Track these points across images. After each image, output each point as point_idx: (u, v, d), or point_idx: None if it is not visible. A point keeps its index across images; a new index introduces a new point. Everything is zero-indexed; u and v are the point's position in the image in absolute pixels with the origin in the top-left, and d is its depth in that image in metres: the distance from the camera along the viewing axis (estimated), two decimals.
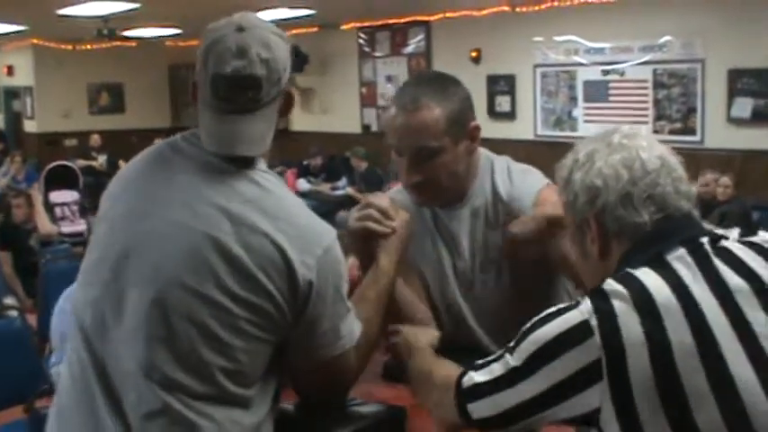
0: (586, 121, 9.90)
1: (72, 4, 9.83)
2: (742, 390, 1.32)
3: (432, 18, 11.76)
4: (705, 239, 1.45)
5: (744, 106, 8.52)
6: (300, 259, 1.57)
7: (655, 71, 9.24)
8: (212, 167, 1.62)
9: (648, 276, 1.40)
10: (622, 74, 9.56)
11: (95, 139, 13.87)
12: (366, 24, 12.79)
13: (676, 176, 1.48)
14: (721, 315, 1.36)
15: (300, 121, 13.14)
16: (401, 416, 1.82)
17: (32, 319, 4.80)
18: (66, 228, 9.66)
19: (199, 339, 1.52)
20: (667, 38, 9.03)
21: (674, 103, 9.12)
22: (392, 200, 2.03)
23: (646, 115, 9.20)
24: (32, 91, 15.73)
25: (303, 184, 11.40)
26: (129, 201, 1.66)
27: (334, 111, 13.59)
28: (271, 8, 10.17)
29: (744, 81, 8.51)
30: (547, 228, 1.87)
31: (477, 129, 2.09)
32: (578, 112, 10.13)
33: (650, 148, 1.50)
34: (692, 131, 8.95)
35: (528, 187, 2.06)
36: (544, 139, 10.39)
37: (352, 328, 1.70)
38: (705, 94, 8.86)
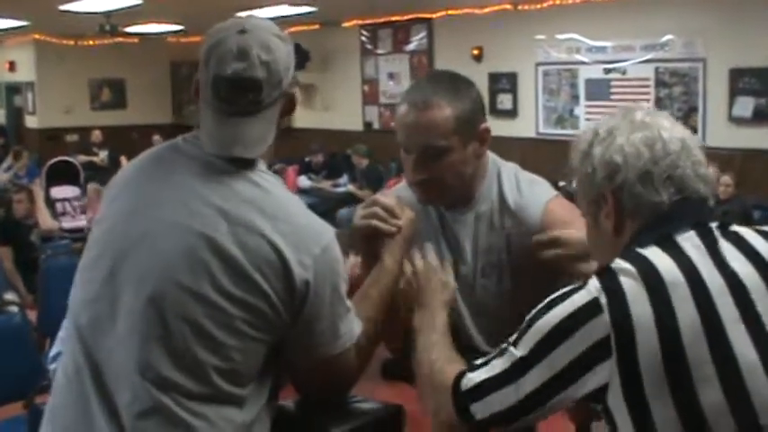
0: (588, 120, 9.87)
1: (74, 0, 9.83)
2: (745, 371, 1.33)
3: (434, 15, 11.76)
4: (715, 224, 1.46)
5: (745, 105, 8.52)
6: (297, 259, 1.57)
7: (656, 70, 9.24)
8: (212, 168, 1.62)
9: (657, 256, 1.40)
10: (624, 72, 9.56)
11: (96, 135, 13.88)
12: (368, 21, 12.79)
13: (696, 160, 1.49)
14: (728, 296, 1.37)
15: (302, 118, 13.14)
16: (399, 414, 1.82)
17: (33, 315, 4.81)
18: (67, 223, 9.65)
19: (193, 339, 1.52)
20: (669, 37, 9.03)
21: (676, 101, 9.11)
22: (398, 197, 2.03)
23: None
24: (34, 86, 15.75)
25: (304, 181, 11.39)
26: (126, 201, 1.66)
27: (336, 108, 13.59)
28: (273, 5, 10.17)
29: (745, 80, 8.51)
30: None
31: (488, 131, 2.09)
32: (580, 111, 10.13)
33: (672, 128, 1.50)
34: (693, 130, 8.67)
35: (536, 197, 2.06)
36: (546, 137, 10.39)
37: (352, 326, 1.70)
38: (706, 92, 8.86)
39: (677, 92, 9.11)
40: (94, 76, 15.94)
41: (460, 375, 1.53)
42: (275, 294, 1.56)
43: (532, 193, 2.08)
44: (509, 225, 2.09)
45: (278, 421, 1.68)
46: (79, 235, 8.52)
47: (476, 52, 11.16)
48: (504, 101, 10.91)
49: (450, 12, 11.40)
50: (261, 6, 9.96)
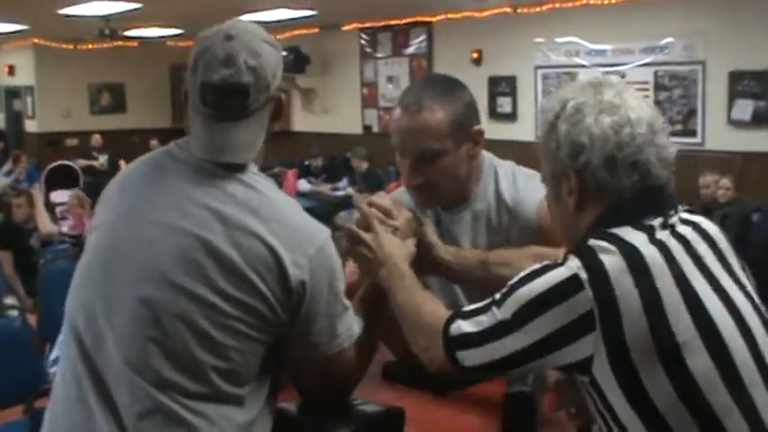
0: None
1: (73, 4, 9.84)
2: (725, 334, 1.41)
3: (433, 19, 11.76)
4: (673, 211, 1.52)
5: (744, 108, 8.52)
6: (292, 259, 1.58)
7: (656, 73, 9.24)
8: (204, 172, 1.63)
9: (632, 235, 1.46)
10: (623, 75, 9.54)
11: (96, 139, 13.88)
12: (367, 25, 12.79)
13: (660, 142, 1.53)
14: (695, 270, 1.45)
15: (301, 121, 13.15)
16: (400, 417, 1.82)
17: (33, 319, 4.81)
18: (67, 228, 9.65)
19: (191, 339, 1.53)
20: (668, 40, 9.04)
21: (675, 104, 9.12)
22: (397, 200, 2.03)
23: None
24: (33, 90, 15.75)
25: (304, 185, 11.40)
26: (121, 205, 1.68)
27: (336, 111, 13.60)
28: (272, 9, 10.18)
29: (744, 83, 8.51)
30: None
31: (481, 133, 2.10)
32: None
33: (639, 108, 1.52)
34: (692, 133, 8.95)
35: (532, 192, 2.07)
36: None
37: (351, 326, 1.71)
38: (706, 95, 8.86)
39: (677, 95, 9.11)
40: (94, 80, 15.94)
41: (451, 320, 1.59)
42: (272, 295, 1.56)
43: (528, 188, 2.09)
44: (507, 221, 2.09)
45: (278, 423, 1.68)
46: (79, 239, 8.52)
47: (475, 55, 11.16)
48: (504, 104, 10.90)
49: (449, 15, 11.40)
50: (260, 10, 9.97)
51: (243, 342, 1.56)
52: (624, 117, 1.50)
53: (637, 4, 9.16)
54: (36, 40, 14.94)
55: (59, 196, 10.19)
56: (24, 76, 16.00)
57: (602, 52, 9.74)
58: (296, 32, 12.29)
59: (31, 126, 16.11)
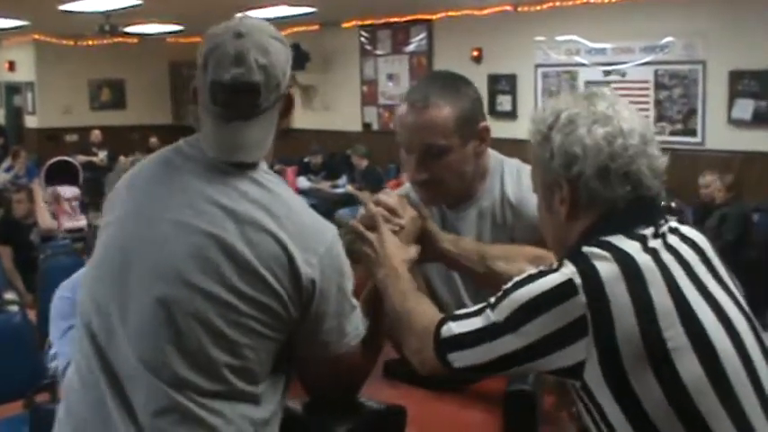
0: None
1: (74, 0, 9.83)
2: (715, 342, 1.43)
3: (433, 17, 11.75)
4: (663, 221, 1.54)
5: (745, 108, 8.51)
6: (303, 257, 1.58)
7: (656, 72, 9.23)
8: (216, 170, 1.63)
9: (625, 243, 1.47)
10: (623, 74, 9.56)
11: (96, 135, 13.88)
12: (368, 22, 12.78)
13: (652, 153, 1.54)
14: (686, 279, 1.47)
15: (301, 118, 13.13)
16: (401, 414, 1.83)
17: (32, 314, 4.81)
18: (67, 223, 9.64)
19: (205, 337, 1.53)
20: (669, 39, 9.03)
21: (675, 104, 9.12)
22: (403, 196, 2.03)
23: (647, 116, 9.17)
24: (33, 86, 15.73)
25: (303, 182, 11.38)
26: (133, 203, 1.67)
27: (336, 108, 13.59)
28: (272, 6, 10.17)
29: (745, 83, 8.50)
30: None
31: (487, 130, 2.10)
32: None
33: (632, 119, 1.54)
34: (692, 133, 8.95)
35: None
36: None
37: (358, 325, 1.71)
38: (706, 95, 8.85)
39: (677, 94, 9.11)
40: (94, 76, 15.93)
41: (442, 323, 1.60)
42: (285, 292, 1.56)
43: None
44: (511, 220, 2.10)
45: (281, 420, 1.68)
46: (79, 235, 8.51)
47: (475, 53, 11.15)
48: (504, 102, 10.90)
49: (449, 13, 11.40)
50: (260, 6, 9.96)
51: (256, 340, 1.56)
52: (617, 128, 1.51)
53: (637, 4, 9.15)
54: (36, 36, 14.92)
55: (66, 191, 10.18)
56: (24, 72, 15.98)
57: (603, 51, 9.73)
58: (296, 29, 12.27)
59: (31, 122, 16.10)
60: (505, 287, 1.52)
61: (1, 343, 3.78)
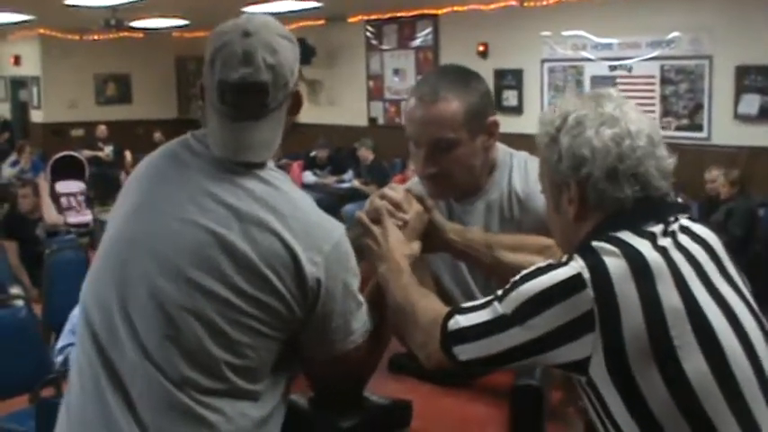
0: None
1: None
2: (722, 341, 1.42)
3: (439, 12, 11.74)
4: (673, 218, 1.52)
5: (751, 103, 8.50)
6: (308, 257, 1.57)
7: (662, 67, 9.21)
8: (221, 166, 1.62)
9: (635, 239, 1.47)
10: (630, 69, 9.54)
11: (102, 130, 13.90)
12: (373, 17, 12.77)
13: (659, 154, 1.54)
14: (695, 278, 1.46)
15: (307, 113, 13.04)
16: (406, 409, 1.82)
17: (38, 309, 4.82)
18: (72, 218, 9.67)
19: (205, 335, 1.52)
20: (675, 34, 9.01)
21: (681, 99, 9.10)
22: (410, 190, 2.03)
23: (653, 111, 9.17)
24: (39, 81, 15.75)
25: (309, 177, 11.40)
26: (138, 197, 1.66)
27: (341, 103, 13.58)
28: (278, 0, 10.16)
29: (751, 78, 8.48)
30: None
31: (496, 124, 2.09)
32: None
33: (639, 121, 1.54)
34: (698, 128, 8.93)
35: None
36: None
37: (365, 321, 1.71)
38: (712, 90, 8.83)
39: (683, 89, 9.09)
40: (100, 70, 15.94)
41: (449, 316, 1.60)
42: (288, 292, 1.56)
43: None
44: (518, 213, 2.10)
45: (286, 415, 1.68)
46: (84, 229, 8.54)
47: (481, 48, 11.13)
48: (510, 97, 10.89)
49: (455, 8, 11.38)
50: (266, 1, 9.96)
51: (257, 339, 1.55)
52: (625, 129, 1.51)
53: None
54: (42, 31, 14.93)
55: (64, 187, 10.22)
56: (30, 67, 15.99)
57: (609, 46, 9.71)
58: (302, 24, 12.26)
59: (36, 116, 16.12)
60: (513, 279, 1.51)
61: (7, 337, 3.78)
